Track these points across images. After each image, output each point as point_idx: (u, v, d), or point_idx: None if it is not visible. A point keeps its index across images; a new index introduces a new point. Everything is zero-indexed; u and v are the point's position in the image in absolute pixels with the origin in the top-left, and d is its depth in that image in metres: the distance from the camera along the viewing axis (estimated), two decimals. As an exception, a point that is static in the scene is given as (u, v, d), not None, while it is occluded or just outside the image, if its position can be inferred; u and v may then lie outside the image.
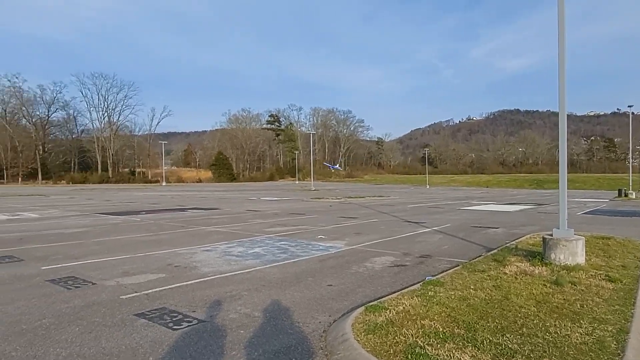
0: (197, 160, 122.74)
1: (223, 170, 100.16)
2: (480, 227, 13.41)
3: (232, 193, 40.37)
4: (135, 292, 5.75)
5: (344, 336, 4.10)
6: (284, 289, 6.03)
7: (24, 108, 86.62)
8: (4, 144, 79.03)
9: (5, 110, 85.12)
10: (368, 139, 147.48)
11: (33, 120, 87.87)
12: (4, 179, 79.35)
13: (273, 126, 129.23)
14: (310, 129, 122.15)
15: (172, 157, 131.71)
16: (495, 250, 8.55)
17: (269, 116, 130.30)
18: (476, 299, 5.06)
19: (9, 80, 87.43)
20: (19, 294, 5.67)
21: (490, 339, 3.84)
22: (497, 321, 4.32)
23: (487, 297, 5.15)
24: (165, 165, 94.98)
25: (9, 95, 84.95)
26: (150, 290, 5.81)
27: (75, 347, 3.93)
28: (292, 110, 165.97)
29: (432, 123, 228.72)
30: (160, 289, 5.93)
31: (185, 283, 6.25)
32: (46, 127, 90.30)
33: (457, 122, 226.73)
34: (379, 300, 5.17)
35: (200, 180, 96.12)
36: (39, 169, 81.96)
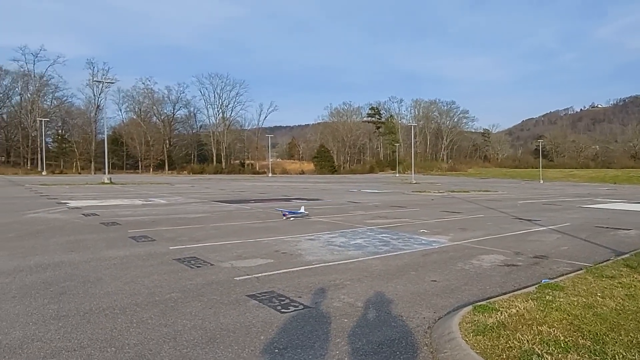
0: (300, 152, 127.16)
1: (325, 162, 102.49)
2: (607, 227, 11.92)
3: (333, 185, 41.12)
4: (247, 275, 6.13)
5: (450, 335, 3.92)
6: (387, 281, 5.97)
7: (154, 107, 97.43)
8: (139, 139, 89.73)
9: (140, 110, 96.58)
10: (473, 130, 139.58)
11: (162, 117, 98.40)
12: (139, 169, 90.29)
13: (373, 119, 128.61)
14: (411, 121, 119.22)
15: (277, 150, 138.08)
16: (628, 255, 7.53)
17: (370, 109, 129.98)
18: (605, 308, 4.50)
19: (143, 83, 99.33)
20: (153, 269, 6.38)
21: (624, 354, 3.37)
22: (632, 335, 3.79)
23: (618, 307, 4.55)
24: (271, 158, 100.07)
25: (143, 96, 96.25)
26: (260, 274, 6.15)
27: (198, 320, 4.30)
28: (392, 102, 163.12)
29: (547, 112, 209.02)
30: (269, 273, 6.24)
31: (291, 269, 6.50)
32: (172, 123, 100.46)
33: (578, 111, 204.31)
34: (488, 301, 4.86)
35: (303, 172, 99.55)
36: (166, 161, 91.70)
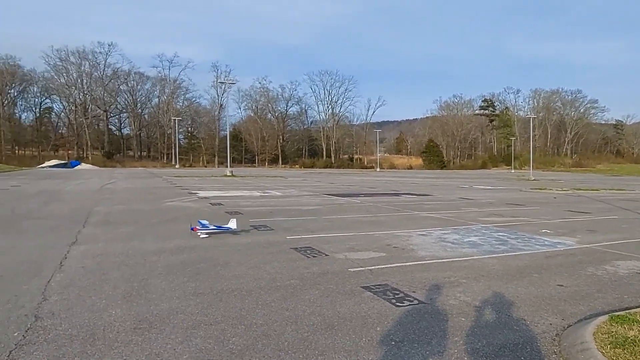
0: (408, 147, 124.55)
1: (433, 157, 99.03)
2: None
3: (443, 180, 39.59)
4: (361, 267, 6.22)
5: (583, 345, 3.55)
6: (506, 282, 5.60)
7: (269, 105, 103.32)
8: (256, 135, 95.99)
9: (257, 107, 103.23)
10: (603, 122, 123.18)
11: (276, 114, 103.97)
12: (255, 163, 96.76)
13: (486, 111, 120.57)
14: (529, 112, 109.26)
15: (385, 145, 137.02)
16: None
17: (482, 101, 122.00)
18: None
19: (259, 83, 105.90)
20: (273, 256, 6.82)
21: None
22: None
23: None
24: (378, 152, 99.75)
25: (259, 94, 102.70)
26: (373, 267, 6.20)
27: (317, 307, 4.49)
28: (508, 93, 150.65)
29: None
30: (382, 266, 6.25)
31: (404, 264, 6.44)
32: (285, 120, 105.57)
33: None
34: (627, 311, 4.30)
35: (411, 167, 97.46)
36: (280, 155, 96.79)
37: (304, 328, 3.94)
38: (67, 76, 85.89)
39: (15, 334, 3.73)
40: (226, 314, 4.28)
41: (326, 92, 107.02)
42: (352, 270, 6.03)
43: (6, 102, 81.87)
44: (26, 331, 3.81)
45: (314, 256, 6.84)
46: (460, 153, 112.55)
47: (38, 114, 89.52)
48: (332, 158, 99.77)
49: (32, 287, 5.04)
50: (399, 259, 6.73)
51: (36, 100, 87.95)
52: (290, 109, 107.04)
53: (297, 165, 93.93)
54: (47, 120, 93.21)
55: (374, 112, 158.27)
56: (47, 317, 4.15)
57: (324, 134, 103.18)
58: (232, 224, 8.72)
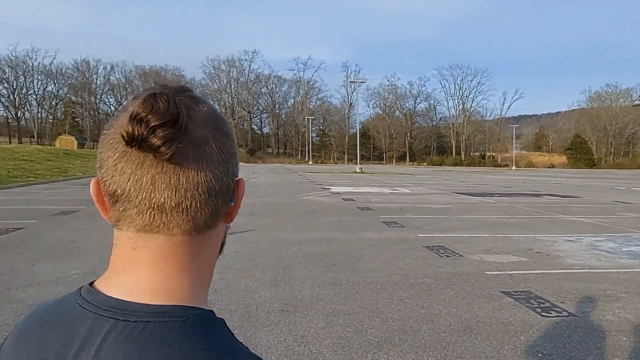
0: (550, 144, 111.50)
1: (580, 155, 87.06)
2: None
3: (592, 181, 34.58)
4: (499, 270, 5.81)
5: None
6: (683, 302, 4.68)
7: (397, 102, 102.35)
8: (384, 132, 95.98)
9: (385, 105, 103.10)
10: None
11: (404, 111, 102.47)
12: (383, 160, 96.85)
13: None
14: None
15: (521, 141, 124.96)
16: None
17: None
18: None
19: (388, 80, 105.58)
20: (405, 253, 6.77)
21: None
22: None
23: None
24: (514, 149, 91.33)
25: (387, 92, 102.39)
26: (513, 272, 5.74)
27: (452, 308, 4.34)
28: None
29: None
30: (523, 272, 5.76)
31: (548, 271, 5.83)
32: (413, 116, 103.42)
33: None
34: None
35: (552, 166, 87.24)
36: (407, 152, 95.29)
37: (440, 327, 3.84)
38: (218, 82, 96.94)
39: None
40: (363, 306, 4.40)
41: (457, 86, 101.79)
42: (489, 273, 5.67)
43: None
44: (197, 302, 4.43)
45: (447, 256, 6.61)
46: (614, 150, 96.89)
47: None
48: (462, 155, 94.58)
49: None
50: (543, 266, 6.11)
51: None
52: (418, 106, 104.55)
53: (424, 163, 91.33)
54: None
55: (509, 105, 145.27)
56: (211, 293, 4.76)
57: (453, 131, 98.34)
58: None
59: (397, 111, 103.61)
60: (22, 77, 77.31)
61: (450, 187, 22.94)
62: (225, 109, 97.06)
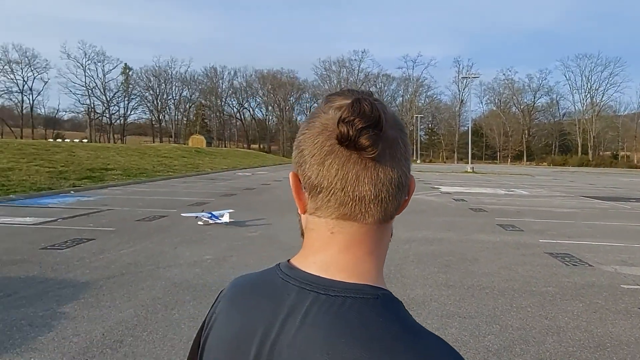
0: None
1: None
2: None
3: None
4: (637, 284, 5.11)
5: None
6: None
7: (514, 97, 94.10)
8: (498, 130, 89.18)
9: (500, 101, 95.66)
10: None
11: (521, 107, 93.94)
12: (497, 159, 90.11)
13: None
14: None
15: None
16: None
17: None
18: None
19: (503, 74, 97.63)
20: (524, 259, 6.31)
21: None
22: None
23: None
24: (659, 148, 77.55)
25: (503, 87, 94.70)
26: (658, 288, 4.99)
27: (582, 322, 3.96)
28: None
29: None
30: (672, 289, 4.97)
31: None
32: (531, 112, 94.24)
33: None
34: None
35: None
36: (524, 151, 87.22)
37: (567, 342, 3.54)
38: (329, 83, 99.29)
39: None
40: (479, 310, 4.24)
41: (584, 78, 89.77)
42: (625, 287, 5.01)
43: (287, 107, 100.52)
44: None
45: (574, 265, 5.99)
46: None
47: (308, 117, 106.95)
48: (590, 155, 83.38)
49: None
50: (699, 284, 5.20)
51: (307, 104, 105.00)
52: (538, 101, 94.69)
53: (544, 163, 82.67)
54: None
55: None
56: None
57: (579, 127, 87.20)
58: (225, 218, 8.33)
59: (514, 107, 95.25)
60: (163, 84, 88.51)
61: (575, 189, 20.51)
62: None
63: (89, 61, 78.87)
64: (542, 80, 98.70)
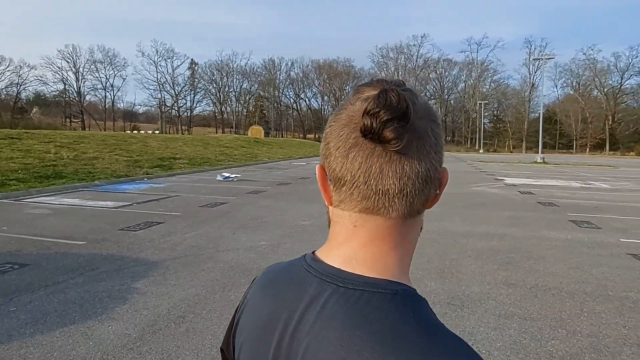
0: None
1: None
2: None
3: None
4: None
5: None
6: None
7: (596, 79, 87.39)
8: (575, 116, 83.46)
9: (578, 84, 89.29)
10: None
11: (604, 90, 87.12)
12: (572, 149, 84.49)
13: None
14: None
15: None
16: None
17: None
18: None
19: (584, 54, 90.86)
20: (601, 259, 5.84)
21: None
22: None
23: None
24: None
25: (582, 68, 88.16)
26: None
27: (669, 333, 3.58)
28: None
29: None
30: None
31: None
32: (617, 96, 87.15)
33: None
34: None
35: None
36: (607, 140, 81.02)
37: (650, 354, 3.22)
38: (386, 70, 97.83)
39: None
40: (543, 313, 3.98)
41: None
42: None
43: (343, 96, 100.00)
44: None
45: (662, 268, 5.45)
46: None
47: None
48: (690, 144, 75.88)
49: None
50: None
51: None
52: (626, 82, 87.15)
53: (631, 152, 76.39)
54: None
55: None
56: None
57: (678, 112, 79.52)
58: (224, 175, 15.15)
59: (596, 90, 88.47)
60: (225, 77, 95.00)
61: (669, 183, 18.72)
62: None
63: (160, 58, 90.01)
64: (632, 59, 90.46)
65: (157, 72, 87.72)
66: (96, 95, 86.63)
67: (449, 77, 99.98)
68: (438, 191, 0.57)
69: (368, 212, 0.54)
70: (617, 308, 4.11)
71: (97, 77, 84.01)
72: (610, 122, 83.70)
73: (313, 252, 0.61)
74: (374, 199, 0.53)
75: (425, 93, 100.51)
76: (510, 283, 4.79)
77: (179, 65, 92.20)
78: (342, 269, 0.55)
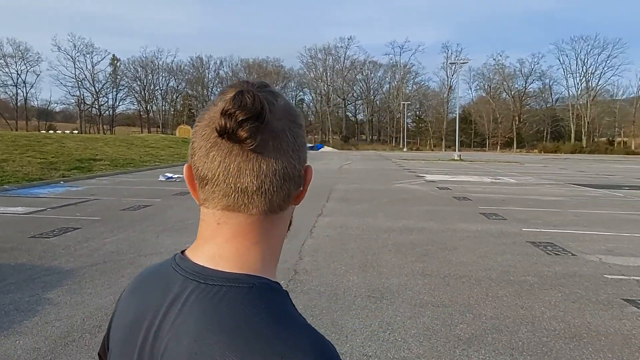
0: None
1: None
2: None
3: None
4: (622, 274, 5.20)
5: None
6: None
7: (504, 83, 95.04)
8: (487, 117, 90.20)
9: (489, 87, 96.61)
10: None
11: (512, 93, 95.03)
12: (486, 147, 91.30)
13: None
14: None
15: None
16: None
17: None
18: None
19: (494, 59, 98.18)
20: (505, 248, 6.37)
21: None
22: None
23: None
24: (654, 134, 79.41)
25: (493, 72, 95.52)
26: (640, 277, 5.09)
27: (559, 312, 4.00)
28: None
29: None
30: (654, 278, 5.07)
31: (688, 279, 5.06)
32: (522, 98, 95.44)
33: None
34: None
35: None
36: (515, 138, 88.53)
37: (542, 331, 3.57)
38: (315, 71, 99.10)
39: (282, 282, 4.62)
40: (453, 299, 4.26)
41: (579, 62, 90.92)
42: (609, 277, 5.09)
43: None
44: (289, 281, 4.70)
45: (556, 254, 6.07)
46: None
47: (294, 105, 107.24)
48: (584, 142, 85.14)
49: (292, 247, 6.09)
50: (681, 272, 5.32)
51: (293, 93, 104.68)
52: (530, 86, 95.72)
53: (535, 150, 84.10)
54: (301, 109, 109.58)
55: None
56: (302, 273, 4.99)
57: (572, 113, 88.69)
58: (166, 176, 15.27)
59: (504, 93, 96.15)
60: (150, 74, 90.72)
61: (566, 177, 20.90)
62: (321, 97, 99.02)
63: (78, 53, 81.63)
64: (534, 65, 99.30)
65: (75, 67, 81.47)
66: (6, 92, 79.46)
67: (375, 79, 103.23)
68: (302, 188, 0.60)
69: (230, 210, 0.56)
70: (516, 291, 4.52)
71: (7, 73, 76.61)
72: (517, 122, 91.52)
73: (182, 251, 0.62)
74: (234, 196, 0.54)
75: (353, 94, 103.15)
76: (426, 274, 5.07)
77: (99, 61, 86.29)
78: (206, 266, 0.56)
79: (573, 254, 6.06)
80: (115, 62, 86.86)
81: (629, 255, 6.09)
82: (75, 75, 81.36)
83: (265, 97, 0.54)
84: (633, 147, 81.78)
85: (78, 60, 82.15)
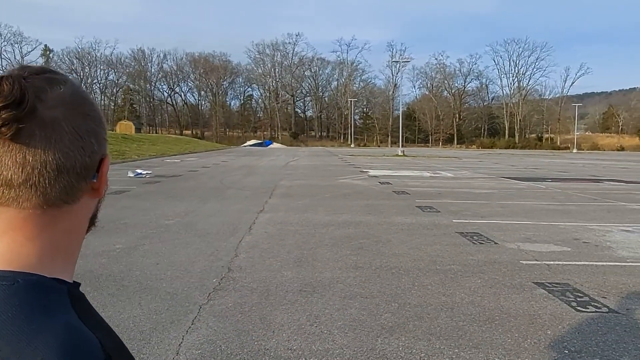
0: (620, 124, 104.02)
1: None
2: None
3: (665, 166, 32.04)
4: (536, 260, 5.58)
5: None
6: None
7: (445, 81, 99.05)
8: (430, 114, 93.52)
9: (432, 85, 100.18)
10: None
11: (452, 91, 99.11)
12: (429, 143, 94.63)
13: None
14: None
15: (586, 121, 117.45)
16: None
17: None
18: None
19: (435, 59, 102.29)
20: (436, 239, 6.64)
21: None
22: None
23: None
24: (577, 131, 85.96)
25: (435, 71, 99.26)
26: (552, 262, 5.48)
27: (477, 297, 4.23)
28: None
29: None
30: (564, 263, 5.48)
31: (594, 263, 5.52)
32: (462, 97, 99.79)
33: None
34: None
35: (622, 148, 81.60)
36: (455, 135, 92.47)
37: (459, 316, 3.76)
38: (263, 67, 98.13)
39: (214, 280, 4.58)
40: (382, 290, 4.38)
41: (512, 63, 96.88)
42: (524, 262, 5.45)
43: (220, 92, 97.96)
44: (221, 279, 4.62)
45: (481, 243, 6.41)
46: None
47: (242, 101, 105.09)
48: (516, 138, 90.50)
49: (229, 245, 6.01)
50: (589, 257, 5.79)
51: (241, 89, 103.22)
52: (468, 85, 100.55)
53: (473, 146, 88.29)
54: (249, 106, 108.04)
55: (572, 82, 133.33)
56: (236, 270, 4.93)
57: (506, 111, 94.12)
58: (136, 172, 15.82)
59: (445, 91, 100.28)
60: (87, 67, 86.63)
61: (498, 171, 22.10)
62: (270, 93, 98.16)
63: (5, 42, 77.95)
64: (472, 65, 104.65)
65: (1, 58, 77.34)
66: None
67: (323, 76, 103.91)
68: (95, 180, 0.58)
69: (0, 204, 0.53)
70: (441, 279, 4.72)
71: None
72: (457, 119, 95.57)
73: None
74: (0, 190, 0.51)
75: (302, 90, 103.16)
76: (358, 266, 5.18)
77: (29, 52, 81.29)
78: None
79: (495, 243, 6.42)
80: (48, 52, 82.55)
81: (544, 242, 6.54)
82: (2, 66, 75.97)
83: (35, 83, 0.50)
84: (558, 143, 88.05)
85: (5, 51, 77.79)
